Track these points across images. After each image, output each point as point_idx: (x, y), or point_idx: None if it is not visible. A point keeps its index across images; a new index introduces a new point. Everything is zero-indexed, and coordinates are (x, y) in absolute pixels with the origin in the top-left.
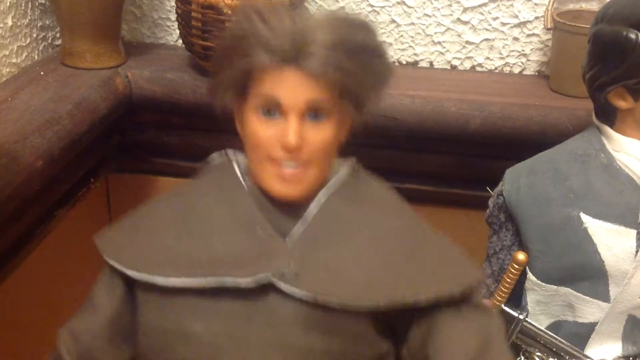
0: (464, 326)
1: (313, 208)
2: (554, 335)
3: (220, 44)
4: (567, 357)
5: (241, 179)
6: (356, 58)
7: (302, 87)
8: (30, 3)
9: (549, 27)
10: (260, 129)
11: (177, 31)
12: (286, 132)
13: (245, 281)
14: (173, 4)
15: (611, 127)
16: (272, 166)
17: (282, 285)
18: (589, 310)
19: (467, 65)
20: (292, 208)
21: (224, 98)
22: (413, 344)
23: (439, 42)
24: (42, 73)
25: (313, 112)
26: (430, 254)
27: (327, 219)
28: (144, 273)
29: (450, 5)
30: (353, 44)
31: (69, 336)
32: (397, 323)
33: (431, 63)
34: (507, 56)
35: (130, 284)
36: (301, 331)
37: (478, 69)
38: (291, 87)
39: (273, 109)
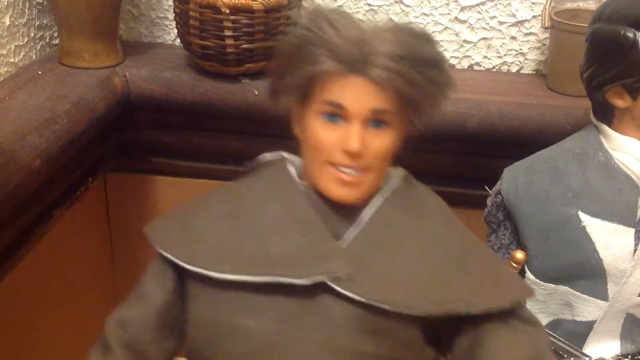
0: (513, 338)
1: (367, 213)
2: (553, 334)
3: (283, 46)
4: (565, 356)
5: (296, 179)
6: (420, 69)
7: (367, 96)
8: (27, 2)
9: (546, 26)
10: (322, 132)
11: (175, 30)
12: (349, 137)
13: (300, 282)
14: (171, 3)
15: (609, 125)
16: (332, 170)
17: (337, 288)
18: (588, 308)
19: (465, 64)
20: (346, 211)
21: (284, 101)
22: (459, 353)
23: (437, 41)
24: (39, 72)
25: (376, 120)
26: (481, 265)
27: (381, 225)
28: (199, 267)
29: (447, 4)
30: (418, 56)
31: (117, 324)
32: (443, 331)
33: None
34: (504, 55)
35: (181, 276)
36: (352, 334)
37: (476, 67)
38: (356, 95)
39: (337, 115)
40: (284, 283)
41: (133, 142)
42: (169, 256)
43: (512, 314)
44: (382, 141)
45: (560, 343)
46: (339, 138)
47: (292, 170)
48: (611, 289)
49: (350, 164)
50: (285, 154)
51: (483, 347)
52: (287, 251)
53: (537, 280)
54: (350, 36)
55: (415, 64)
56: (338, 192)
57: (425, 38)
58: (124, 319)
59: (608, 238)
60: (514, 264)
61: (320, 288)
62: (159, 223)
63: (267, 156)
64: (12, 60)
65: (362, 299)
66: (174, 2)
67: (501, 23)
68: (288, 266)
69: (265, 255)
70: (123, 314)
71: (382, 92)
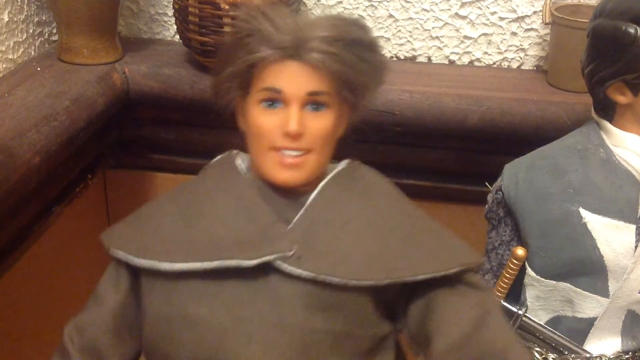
0: (461, 301)
1: (314, 195)
2: (553, 331)
3: (224, 43)
4: (566, 352)
5: (244, 171)
6: (353, 51)
7: (303, 79)
8: None
9: (547, 21)
10: (262, 119)
11: (175, 26)
12: (287, 120)
13: (248, 263)
14: None
15: (610, 121)
16: (275, 154)
17: (285, 267)
18: (588, 305)
19: (466, 60)
20: (294, 197)
21: (227, 94)
22: (412, 325)
23: (437, 37)
24: (38, 69)
25: (313, 103)
26: (428, 236)
27: (325, 203)
28: (150, 260)
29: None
30: (350, 39)
31: (74, 329)
32: (395, 304)
33: (429, 58)
34: (505, 51)
35: (136, 276)
36: (304, 311)
37: (476, 63)
38: (293, 78)
39: (275, 100)
40: (232, 267)
41: (132, 138)
42: (121, 253)
43: (459, 280)
44: (321, 122)
45: (561, 340)
46: (279, 122)
47: (241, 163)
48: (612, 285)
49: (292, 145)
50: (234, 150)
51: (432, 313)
52: (235, 236)
53: (538, 276)
54: (284, 25)
55: (347, 45)
56: (282, 176)
57: (355, 23)
58: (81, 324)
59: (609, 234)
60: (514, 261)
61: (269, 270)
62: (113, 228)
63: (218, 157)
64: (10, 56)
65: (310, 274)
66: None
67: (502, 19)
68: (236, 249)
69: (214, 242)
70: (79, 319)
71: (317, 75)
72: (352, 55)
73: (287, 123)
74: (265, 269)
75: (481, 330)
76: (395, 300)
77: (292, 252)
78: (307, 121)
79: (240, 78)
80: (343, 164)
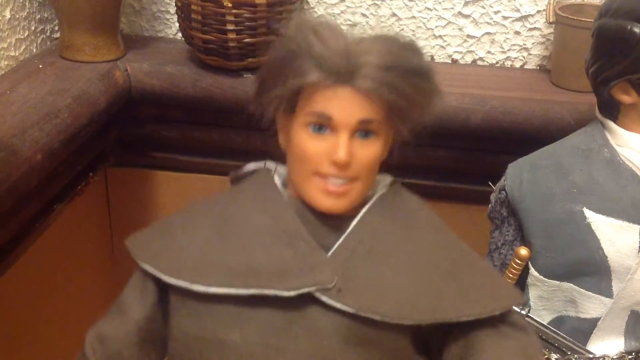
0: (504, 344)
1: (355, 223)
2: (557, 331)
3: (270, 58)
4: (569, 353)
5: (282, 190)
6: (407, 79)
7: (355, 106)
8: None
9: (550, 21)
10: (309, 144)
11: (177, 24)
12: (336, 148)
13: (287, 294)
14: None
15: (614, 121)
16: (319, 181)
17: (326, 299)
18: (592, 305)
19: (469, 59)
20: (335, 222)
21: (271, 112)
22: None
23: (440, 36)
24: (40, 66)
25: (363, 130)
26: (470, 272)
27: (367, 233)
28: (183, 280)
29: None
30: (405, 67)
31: (97, 340)
32: (433, 339)
33: (432, 57)
34: (508, 50)
35: (163, 289)
36: (341, 345)
37: (479, 63)
38: (344, 106)
39: (324, 126)
40: (269, 295)
41: (134, 136)
42: (151, 270)
43: (502, 320)
44: (369, 151)
45: (564, 340)
46: (327, 149)
47: (278, 180)
48: (616, 286)
49: (338, 174)
50: (270, 164)
51: (474, 355)
52: (273, 262)
53: (541, 276)
54: (337, 47)
55: (402, 74)
56: (326, 203)
57: (411, 48)
58: (104, 334)
59: (613, 235)
60: (518, 260)
61: (307, 299)
62: (140, 236)
63: (252, 166)
64: (12, 53)
65: (351, 310)
66: None
67: (505, 18)
68: (274, 278)
69: (251, 267)
70: (103, 328)
71: (369, 103)
72: (407, 85)
73: (336, 152)
74: (303, 299)
75: None
76: (433, 335)
77: (332, 284)
78: (355, 149)
79: (287, 99)
80: (384, 186)
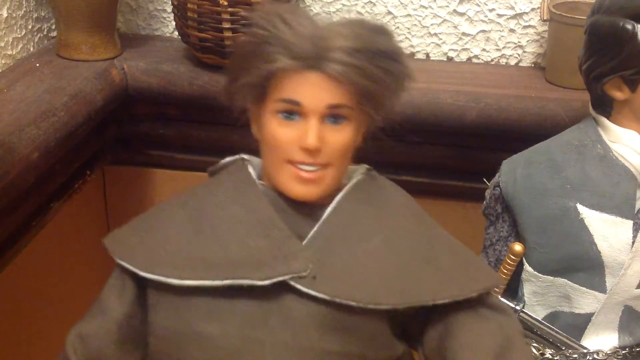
0: (483, 326)
1: (330, 210)
2: (551, 326)
3: (239, 47)
4: (563, 348)
5: (256, 180)
6: (377, 63)
7: (324, 91)
8: None
9: (545, 18)
10: (279, 131)
11: (173, 23)
12: (306, 133)
13: (262, 284)
14: None
15: (608, 118)
16: (291, 168)
17: (300, 287)
18: (586, 301)
19: (464, 57)
20: (309, 210)
21: (241, 101)
22: (429, 346)
23: (435, 34)
24: (37, 65)
25: (333, 116)
26: (447, 256)
27: (342, 219)
28: (159, 275)
29: None
30: (374, 50)
31: (78, 339)
32: (411, 324)
33: (427, 55)
34: (503, 48)
35: (142, 286)
36: (318, 333)
37: (474, 60)
38: (313, 91)
39: (293, 112)
40: (245, 285)
41: (131, 134)
42: (128, 265)
43: (480, 302)
44: (340, 136)
45: (558, 335)
46: (297, 135)
47: (252, 171)
48: (609, 281)
49: (309, 160)
50: (245, 156)
51: (452, 337)
52: (248, 253)
53: (536, 272)
54: (305, 33)
55: (371, 57)
56: (298, 190)
57: (381, 31)
58: (84, 333)
59: (606, 230)
60: (512, 256)
61: (283, 288)
62: (118, 233)
63: (228, 160)
64: (9, 52)
65: (326, 297)
66: None
67: (500, 15)
68: (249, 268)
69: (226, 259)
70: (83, 328)
71: (338, 87)
72: (376, 68)
73: (306, 137)
74: (279, 288)
75: (506, 357)
76: (411, 320)
77: (307, 272)
78: (326, 135)
79: (257, 86)
80: (359, 173)
